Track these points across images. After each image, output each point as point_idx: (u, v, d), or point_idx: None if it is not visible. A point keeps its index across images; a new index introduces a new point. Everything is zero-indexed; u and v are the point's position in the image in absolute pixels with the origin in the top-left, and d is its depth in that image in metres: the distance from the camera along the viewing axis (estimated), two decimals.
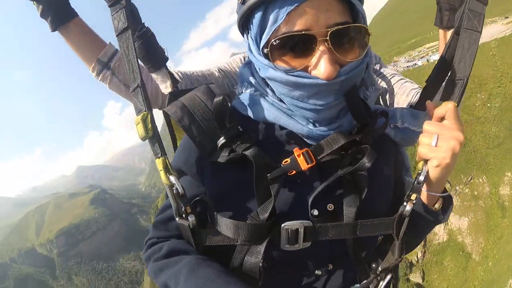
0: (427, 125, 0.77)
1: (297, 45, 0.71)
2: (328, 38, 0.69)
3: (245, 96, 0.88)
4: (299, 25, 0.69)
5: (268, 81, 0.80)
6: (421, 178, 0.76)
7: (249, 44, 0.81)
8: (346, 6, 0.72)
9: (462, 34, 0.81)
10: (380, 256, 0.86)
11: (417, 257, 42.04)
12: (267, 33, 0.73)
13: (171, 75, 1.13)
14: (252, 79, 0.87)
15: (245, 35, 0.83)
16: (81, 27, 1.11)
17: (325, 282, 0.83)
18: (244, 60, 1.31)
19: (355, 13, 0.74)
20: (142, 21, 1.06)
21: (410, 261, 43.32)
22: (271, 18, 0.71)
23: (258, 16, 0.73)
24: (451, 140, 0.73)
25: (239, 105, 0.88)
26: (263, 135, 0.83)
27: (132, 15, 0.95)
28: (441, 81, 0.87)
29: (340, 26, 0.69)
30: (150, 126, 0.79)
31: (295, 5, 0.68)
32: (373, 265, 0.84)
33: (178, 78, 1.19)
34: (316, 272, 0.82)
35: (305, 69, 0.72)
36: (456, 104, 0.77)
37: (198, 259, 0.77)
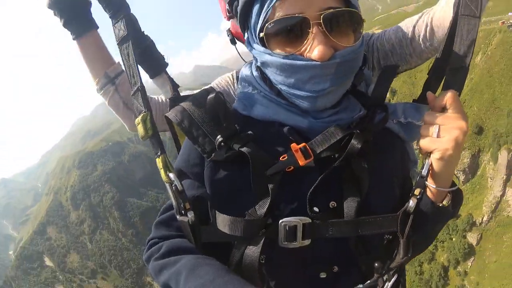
0: (427, 116, 0.75)
1: (291, 29, 0.72)
2: (321, 21, 0.69)
3: (244, 95, 0.89)
4: (292, 9, 0.71)
5: (265, 70, 0.81)
6: (424, 172, 0.74)
7: (248, 38, 0.83)
8: None
9: (460, 21, 0.80)
10: (386, 256, 0.82)
11: (482, 219, 47.15)
12: (262, 17, 0.74)
13: (171, 80, 1.17)
14: (251, 78, 0.89)
15: (245, 32, 0.85)
16: (98, 40, 1.17)
17: (331, 285, 0.80)
18: (233, 78, 1.33)
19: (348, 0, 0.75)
20: (142, 30, 1.10)
21: (474, 220, 49.04)
22: (266, 4, 0.73)
23: (257, 6, 0.75)
24: (453, 130, 0.71)
25: (238, 106, 0.89)
26: (262, 133, 0.81)
27: (132, 24, 1.00)
28: (444, 71, 0.83)
29: (333, 10, 0.71)
30: (149, 126, 0.83)
31: None
32: (378, 265, 0.79)
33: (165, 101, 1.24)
34: (321, 275, 0.79)
35: (301, 53, 0.73)
36: (456, 92, 0.75)
37: (197, 259, 0.76)
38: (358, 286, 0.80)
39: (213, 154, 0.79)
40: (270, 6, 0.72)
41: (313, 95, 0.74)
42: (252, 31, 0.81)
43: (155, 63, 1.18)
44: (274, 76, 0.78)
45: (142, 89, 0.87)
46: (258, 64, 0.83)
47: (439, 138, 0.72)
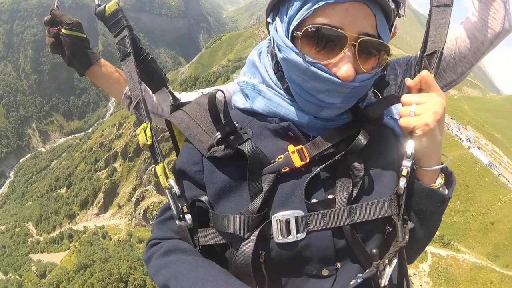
0: (404, 98, 0.77)
1: (329, 41, 0.72)
2: (357, 44, 0.71)
3: (248, 86, 0.88)
4: (335, 20, 0.70)
5: (283, 64, 0.79)
6: (409, 150, 0.76)
7: (275, 24, 0.80)
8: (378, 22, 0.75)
9: (433, 11, 0.87)
10: (386, 245, 0.82)
11: None
12: (301, 15, 0.73)
13: (171, 94, 1.22)
14: (259, 65, 0.88)
15: (272, 13, 0.83)
16: (104, 67, 1.22)
17: (334, 283, 0.79)
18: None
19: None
20: (143, 48, 1.17)
21: None
22: (311, 3, 0.71)
23: (299, 1, 0.73)
24: (430, 105, 0.73)
25: (238, 100, 0.91)
26: (261, 129, 0.83)
27: (134, 42, 1.06)
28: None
29: (371, 38, 0.72)
30: (149, 135, 0.87)
31: (341, 1, 0.69)
32: (375, 251, 0.78)
33: (179, 97, 1.27)
34: (323, 272, 0.78)
35: (326, 65, 0.73)
36: (430, 73, 0.78)
37: (197, 260, 0.78)
38: (357, 275, 0.79)
39: (211, 150, 0.80)
40: (313, 8, 0.71)
41: (322, 105, 0.76)
42: (285, 23, 0.78)
43: (156, 79, 1.23)
44: (292, 74, 0.77)
45: (143, 101, 0.94)
46: (279, 57, 0.79)
47: (418, 115, 0.74)
